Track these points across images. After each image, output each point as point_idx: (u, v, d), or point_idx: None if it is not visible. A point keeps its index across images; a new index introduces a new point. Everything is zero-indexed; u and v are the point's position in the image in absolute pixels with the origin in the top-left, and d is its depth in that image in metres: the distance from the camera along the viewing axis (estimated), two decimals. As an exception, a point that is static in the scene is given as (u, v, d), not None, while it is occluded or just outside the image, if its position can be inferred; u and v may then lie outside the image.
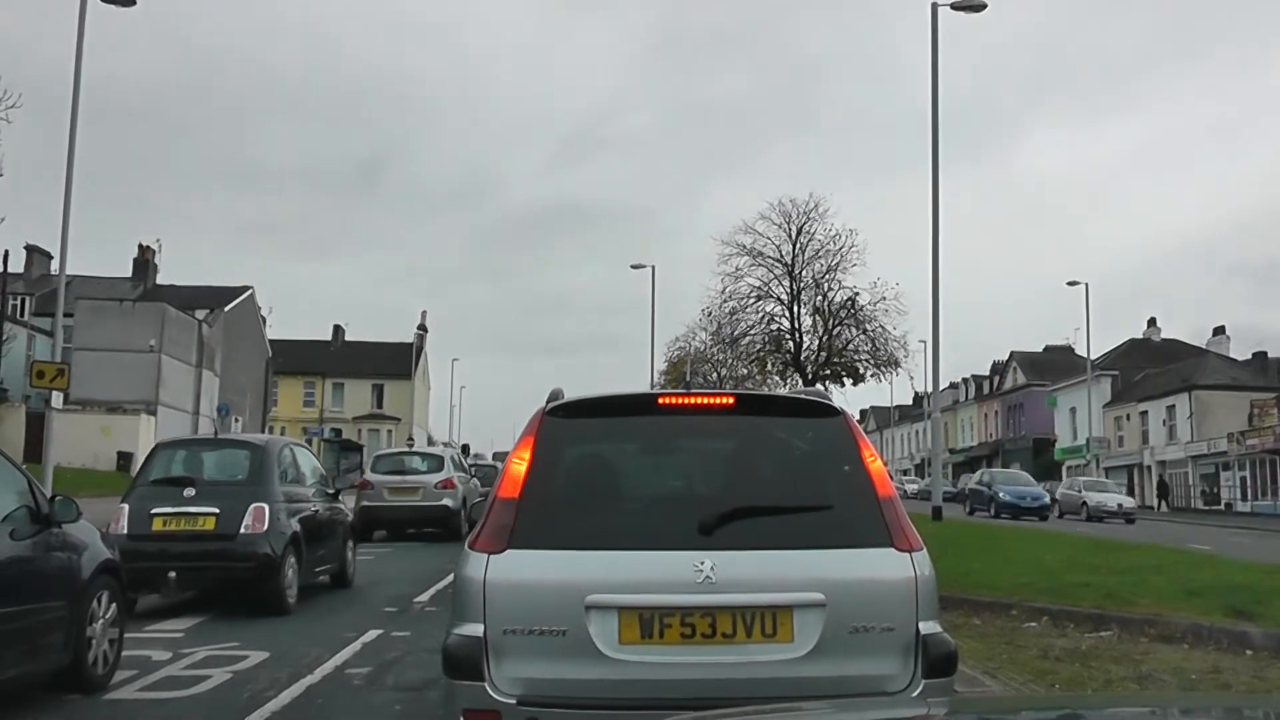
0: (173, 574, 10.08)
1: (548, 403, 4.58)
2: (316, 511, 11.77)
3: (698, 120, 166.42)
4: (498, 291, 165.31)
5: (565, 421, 4.53)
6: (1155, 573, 11.73)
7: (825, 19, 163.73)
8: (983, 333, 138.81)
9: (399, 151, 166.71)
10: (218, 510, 10.36)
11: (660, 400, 4.98)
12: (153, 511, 10.39)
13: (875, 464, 4.38)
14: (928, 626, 4.11)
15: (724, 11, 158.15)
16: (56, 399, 25.03)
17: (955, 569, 12.10)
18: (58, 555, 6.81)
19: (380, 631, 8.96)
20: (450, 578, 11.08)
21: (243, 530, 10.26)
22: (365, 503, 19.58)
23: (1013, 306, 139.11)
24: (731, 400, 4.98)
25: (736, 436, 4.75)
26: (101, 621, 7.08)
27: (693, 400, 4.84)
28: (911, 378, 50.92)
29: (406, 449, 29.85)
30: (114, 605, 7.30)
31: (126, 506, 10.66)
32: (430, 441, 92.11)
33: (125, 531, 10.22)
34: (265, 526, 10.35)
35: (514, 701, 3.96)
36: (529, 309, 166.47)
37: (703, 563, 4.02)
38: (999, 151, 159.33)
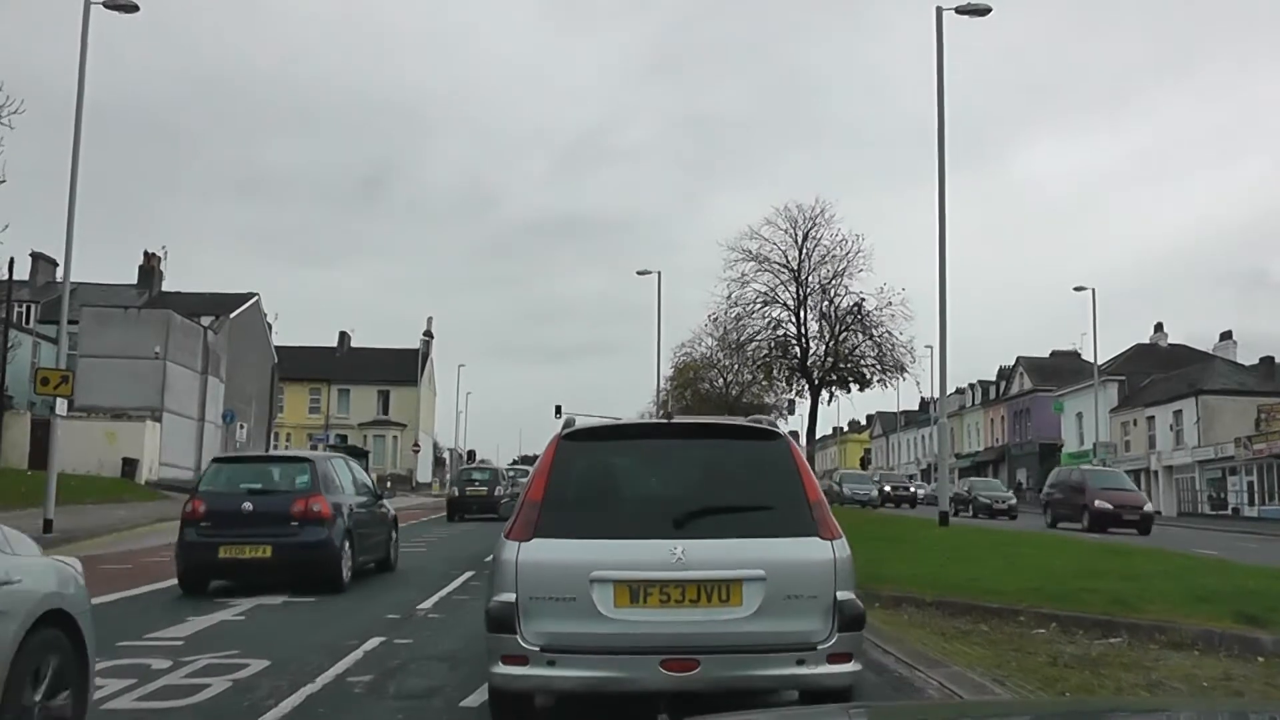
0: (475, 506, 32.19)
1: (563, 429, 6.01)
2: (512, 490, 30.35)
3: (698, 134, 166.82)
4: (502, 300, 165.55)
5: (575, 444, 5.95)
6: (1164, 578, 11.60)
7: (823, 35, 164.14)
8: (988, 338, 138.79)
9: (404, 163, 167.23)
10: (486, 488, 33.10)
11: (647, 428, 6.79)
12: (466, 488, 33.46)
13: (808, 474, 5.79)
14: (844, 594, 5.46)
15: (723, 27, 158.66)
16: (61, 406, 24.97)
17: (963, 575, 12.03)
18: (383, 510, 15.43)
19: (383, 639, 8.86)
20: (454, 584, 10.94)
21: (495, 494, 32.50)
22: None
23: (1017, 312, 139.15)
24: (700, 427, 6.80)
25: (703, 454, 6.14)
26: (395, 538, 15.90)
27: (671, 428, 6.57)
28: (918, 383, 50.80)
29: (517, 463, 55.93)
30: (396, 534, 16.04)
31: (455, 487, 35.20)
32: (436, 448, 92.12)
33: (456, 495, 33.78)
34: (501, 494, 32.20)
35: (538, 649, 5.32)
36: (533, 317, 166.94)
37: (676, 548, 5.36)
38: (1000, 160, 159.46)
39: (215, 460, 15.35)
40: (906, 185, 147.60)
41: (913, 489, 56.80)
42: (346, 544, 12.98)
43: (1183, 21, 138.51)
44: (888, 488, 54.27)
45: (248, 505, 12.63)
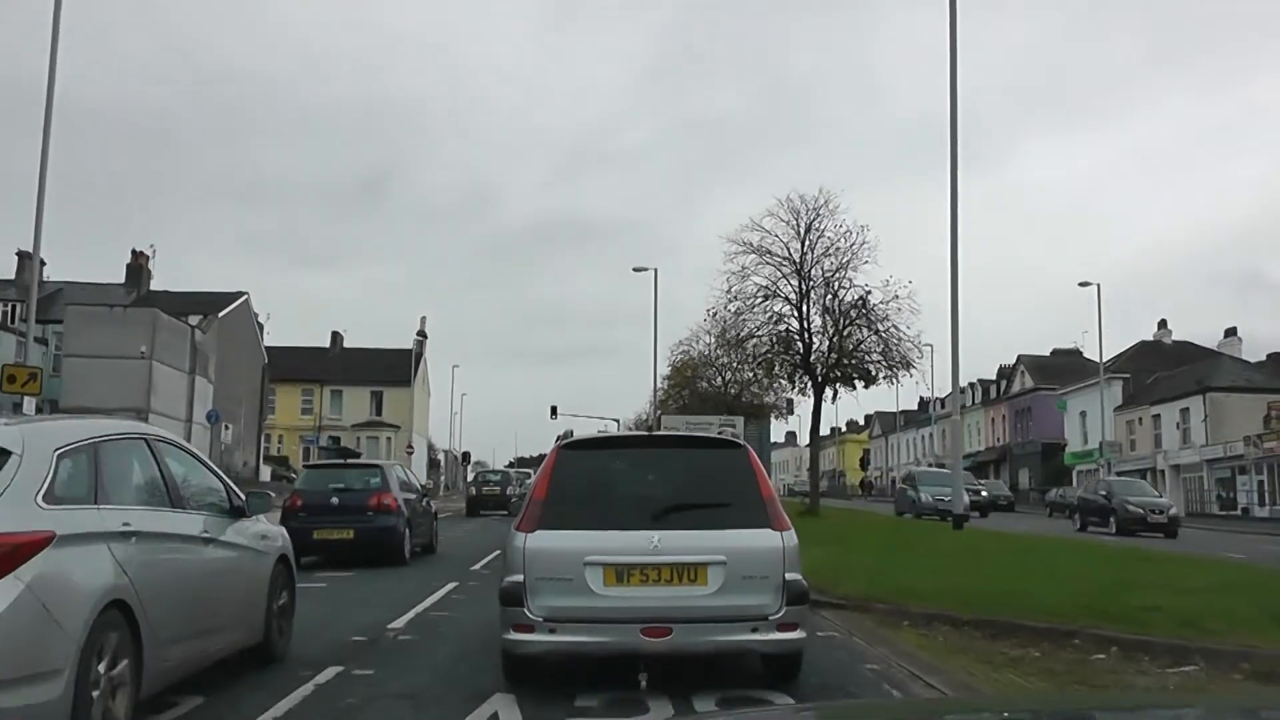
0: (490, 503, 37.57)
1: (561, 440, 7.60)
2: (519, 490, 28.20)
3: (694, 136, 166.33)
4: (500, 302, 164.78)
5: (572, 452, 7.25)
6: (1227, 593, 10.33)
7: (816, 39, 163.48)
8: (988, 337, 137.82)
9: (402, 167, 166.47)
10: (499, 488, 38.81)
11: (632, 439, 8.46)
12: (483, 488, 39.98)
13: (763, 477, 6.90)
14: (791, 575, 6.52)
15: (718, 32, 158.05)
16: (29, 405, 24.04)
17: (999, 588, 10.80)
18: (425, 505, 18.63)
19: (340, 669, 7.58)
20: (432, 599, 11.26)
21: (506, 493, 37.21)
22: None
23: (1016, 311, 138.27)
24: (675, 438, 8.52)
25: (677, 461, 7.40)
26: (435, 528, 19.55)
27: (652, 439, 8.35)
28: (917, 382, 49.56)
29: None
30: (436, 525, 19.73)
31: (473, 488, 41.77)
32: (431, 449, 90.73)
33: (474, 494, 40.50)
34: (511, 493, 36.18)
35: (542, 619, 6.37)
36: (531, 319, 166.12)
37: (654, 538, 6.41)
38: (998, 159, 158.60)
39: (307, 466, 20.42)
40: (904, 187, 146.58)
41: (984, 492, 42.73)
42: (407, 530, 16.76)
43: (1183, 18, 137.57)
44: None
45: (335, 500, 16.16)
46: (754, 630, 6.42)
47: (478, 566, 15.88)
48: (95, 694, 5.05)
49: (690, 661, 6.89)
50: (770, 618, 6.43)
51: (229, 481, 7.57)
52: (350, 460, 26.84)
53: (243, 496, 7.54)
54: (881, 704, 4.87)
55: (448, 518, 31.03)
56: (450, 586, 13.01)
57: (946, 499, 33.45)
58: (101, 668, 5.14)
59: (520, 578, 6.45)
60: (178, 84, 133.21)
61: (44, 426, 6.25)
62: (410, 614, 10.52)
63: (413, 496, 18.03)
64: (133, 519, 5.74)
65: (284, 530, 8.68)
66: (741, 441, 7.66)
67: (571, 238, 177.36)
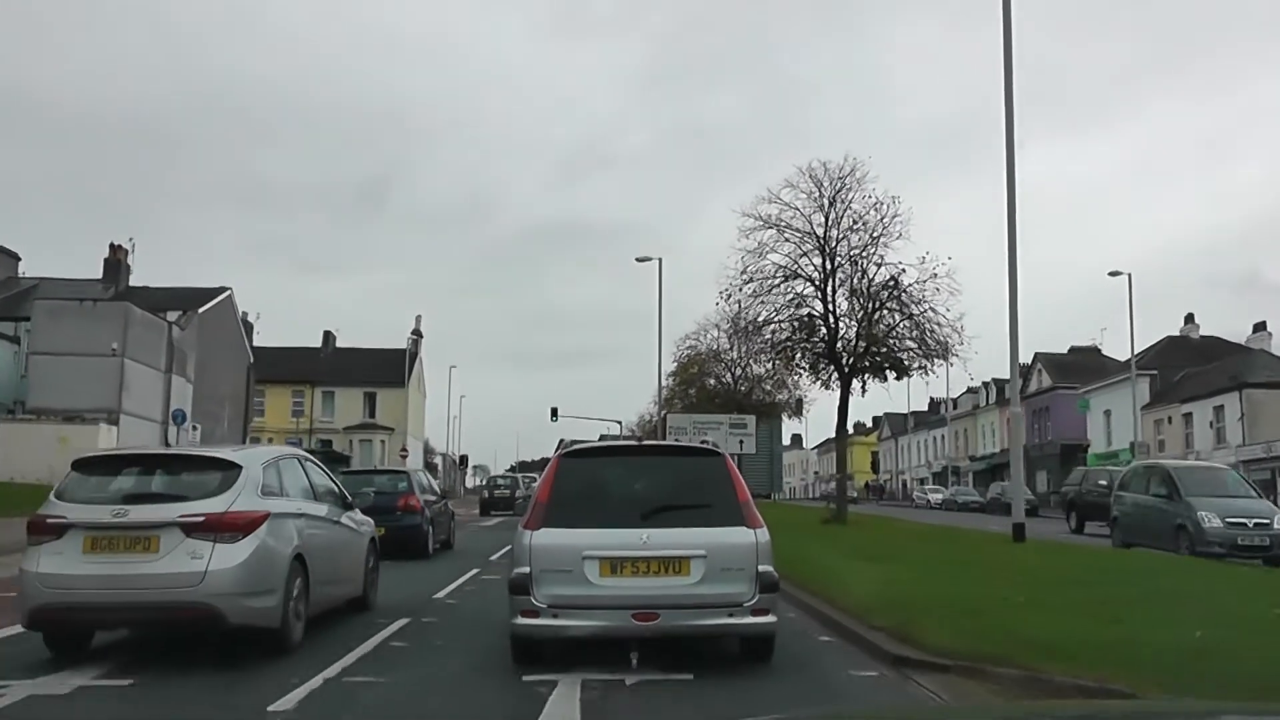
0: (500, 504, 45.15)
1: (561, 448, 8.98)
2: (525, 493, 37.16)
3: (694, 140, 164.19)
4: (499, 306, 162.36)
5: (572, 459, 8.55)
6: None
7: (814, 43, 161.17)
8: (996, 336, 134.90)
9: (403, 172, 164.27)
10: (508, 491, 47.21)
11: (625, 448, 9.78)
12: (494, 491, 48.99)
13: (739, 482, 8.10)
14: (764, 567, 7.69)
15: (716, 37, 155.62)
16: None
17: (1160, 640, 7.53)
18: (441, 506, 21.88)
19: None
20: (362, 651, 9.49)
21: (514, 495, 44.96)
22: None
23: (1027, 310, 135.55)
24: (662, 448, 9.92)
25: (664, 467, 8.67)
26: (453, 527, 23.11)
27: (642, 448, 9.65)
28: (928, 383, 46.45)
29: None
30: (453, 524, 23.20)
31: (486, 491, 51.33)
32: (428, 452, 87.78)
33: (486, 496, 49.35)
34: (518, 495, 43.38)
35: (546, 606, 7.56)
36: (531, 323, 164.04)
37: (643, 535, 7.63)
38: (998, 160, 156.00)
39: (343, 471, 20.87)
40: (905, 190, 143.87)
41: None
42: (430, 528, 19.41)
43: (1177, 26, 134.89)
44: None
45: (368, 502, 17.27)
46: (730, 615, 7.52)
47: (314, 683, 10.34)
48: (290, 604, 8.68)
49: (675, 642, 7.90)
50: (745, 604, 7.53)
51: (341, 485, 11.21)
52: (382, 467, 31.04)
53: (350, 496, 11.27)
54: (870, 712, 4.94)
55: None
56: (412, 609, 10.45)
57: (1248, 528, 19.50)
58: (294, 591, 8.78)
59: (527, 570, 7.56)
60: (178, 87, 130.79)
61: (252, 450, 9.99)
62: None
63: (434, 499, 21.04)
64: (300, 506, 9.46)
65: (371, 520, 12.08)
66: (720, 450, 8.76)
67: (571, 241, 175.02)
